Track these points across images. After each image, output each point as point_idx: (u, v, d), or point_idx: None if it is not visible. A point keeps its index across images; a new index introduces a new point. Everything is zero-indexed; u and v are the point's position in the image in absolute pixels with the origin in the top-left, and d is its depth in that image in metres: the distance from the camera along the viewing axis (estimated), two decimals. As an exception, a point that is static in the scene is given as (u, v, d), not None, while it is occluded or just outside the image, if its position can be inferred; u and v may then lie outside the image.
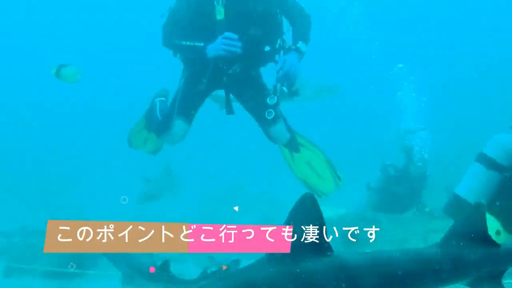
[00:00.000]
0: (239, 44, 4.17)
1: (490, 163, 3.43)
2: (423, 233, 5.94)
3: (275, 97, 4.52)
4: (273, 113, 4.55)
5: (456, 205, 3.51)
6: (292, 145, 4.94)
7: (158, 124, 4.81)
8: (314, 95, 6.79)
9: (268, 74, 4.76)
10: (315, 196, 4.99)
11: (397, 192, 6.99)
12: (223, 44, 4.14)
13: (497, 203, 3.36)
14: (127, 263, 4.71)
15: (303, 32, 4.52)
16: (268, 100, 4.51)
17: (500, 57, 14.38)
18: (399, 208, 6.89)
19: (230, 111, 4.76)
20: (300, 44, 4.38)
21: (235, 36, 4.16)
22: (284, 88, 4.47)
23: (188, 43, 4.24)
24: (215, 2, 4.16)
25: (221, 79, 4.54)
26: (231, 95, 4.83)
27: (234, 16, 4.23)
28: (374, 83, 11.24)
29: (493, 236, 3.25)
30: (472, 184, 3.48)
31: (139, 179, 7.51)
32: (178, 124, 4.61)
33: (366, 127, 12.36)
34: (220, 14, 4.17)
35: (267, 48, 4.45)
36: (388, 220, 6.42)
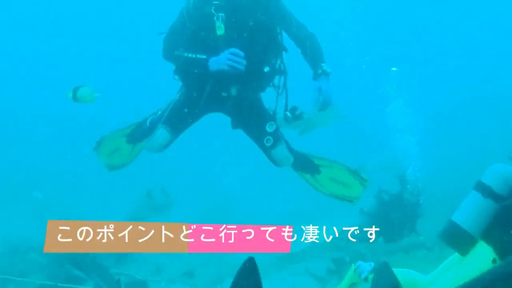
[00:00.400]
0: (244, 62, 4.18)
1: (487, 192, 3.44)
2: (416, 262, 5.93)
3: (274, 124, 4.54)
4: (272, 140, 4.56)
5: (452, 232, 3.51)
6: (313, 169, 4.98)
7: (144, 130, 4.80)
8: (320, 119, 6.84)
9: (267, 97, 4.76)
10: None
11: (391, 218, 6.99)
12: (228, 60, 4.14)
13: (493, 231, 3.37)
14: (99, 275, 4.67)
15: (318, 52, 4.55)
16: (267, 127, 4.52)
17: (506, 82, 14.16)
18: (391, 234, 6.88)
19: (236, 125, 4.76)
20: (325, 67, 4.42)
21: (242, 54, 4.18)
22: (288, 113, 4.49)
23: (190, 55, 4.24)
24: (215, 18, 4.18)
25: (218, 101, 4.53)
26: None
27: (234, 33, 4.25)
28: (367, 99, 11.17)
29: (489, 265, 3.26)
30: (469, 211, 3.49)
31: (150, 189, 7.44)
32: (161, 132, 4.59)
33: (360, 149, 12.29)
34: (220, 29, 4.19)
35: (266, 69, 4.46)
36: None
